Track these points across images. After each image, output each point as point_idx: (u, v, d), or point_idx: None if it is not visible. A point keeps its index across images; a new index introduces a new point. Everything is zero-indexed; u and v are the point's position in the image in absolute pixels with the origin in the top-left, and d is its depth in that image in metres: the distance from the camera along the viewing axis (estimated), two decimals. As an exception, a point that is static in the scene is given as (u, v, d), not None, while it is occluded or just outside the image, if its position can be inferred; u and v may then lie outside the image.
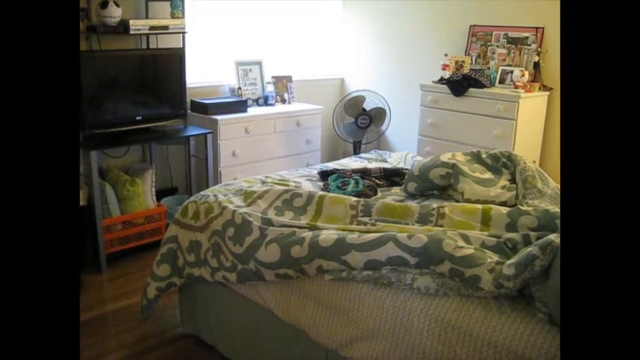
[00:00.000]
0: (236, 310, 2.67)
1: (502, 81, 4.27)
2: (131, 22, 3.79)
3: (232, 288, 2.63)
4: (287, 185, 2.89)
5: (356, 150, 5.18)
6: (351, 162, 3.52)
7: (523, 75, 4.08)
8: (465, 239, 2.08)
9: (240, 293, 2.59)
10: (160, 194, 4.41)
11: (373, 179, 3.06)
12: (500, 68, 4.30)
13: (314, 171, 3.30)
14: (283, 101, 5.05)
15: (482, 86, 4.19)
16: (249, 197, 2.70)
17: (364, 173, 3.11)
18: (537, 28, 4.23)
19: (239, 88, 4.78)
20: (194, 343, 3.04)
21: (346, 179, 2.94)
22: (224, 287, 2.68)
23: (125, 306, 3.44)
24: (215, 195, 2.74)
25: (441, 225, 2.30)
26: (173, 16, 4.10)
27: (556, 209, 2.29)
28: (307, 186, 2.94)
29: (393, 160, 3.56)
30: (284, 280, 2.33)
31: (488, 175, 2.78)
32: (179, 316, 3.20)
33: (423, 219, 2.34)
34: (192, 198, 2.84)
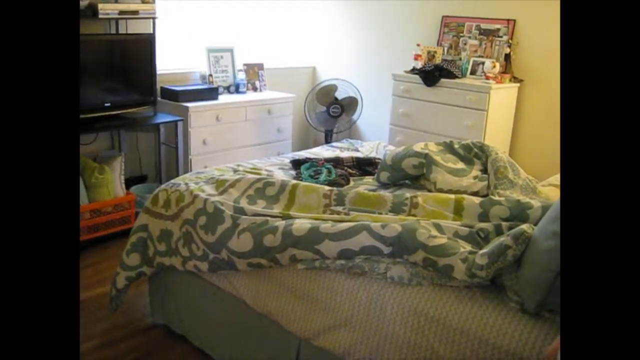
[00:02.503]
0: (208, 299, 2.64)
1: (473, 72, 4.30)
2: (100, 5, 3.70)
3: (204, 277, 2.60)
4: (259, 174, 2.87)
5: (328, 139, 5.17)
6: (323, 151, 3.51)
7: (494, 66, 4.11)
8: (439, 228, 2.09)
9: (212, 282, 2.57)
10: (130, 182, 4.34)
11: (345, 168, 3.05)
12: (472, 59, 4.33)
13: (286, 160, 3.28)
14: (254, 89, 5.00)
15: (454, 77, 4.22)
16: (221, 185, 2.66)
17: (337, 162, 3.10)
18: (508, 20, 4.26)
19: (210, 75, 4.72)
20: (164, 333, 3.01)
21: (318, 168, 2.93)
22: (196, 276, 2.65)
23: (94, 296, 3.38)
24: (186, 184, 2.70)
25: (414, 215, 2.30)
26: (143, 1, 4.02)
27: (527, 199, 2.32)
28: (280, 175, 2.92)
29: (365, 150, 3.55)
30: (256, 270, 2.31)
31: (460, 165, 2.80)
32: (149, 306, 3.16)
33: (396, 209, 2.34)
34: (162, 186, 2.80)
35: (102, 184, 3.89)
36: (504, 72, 4.21)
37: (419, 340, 1.86)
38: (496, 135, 4.13)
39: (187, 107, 4.25)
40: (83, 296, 3.38)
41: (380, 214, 2.31)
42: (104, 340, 2.94)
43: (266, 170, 3.01)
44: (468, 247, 1.99)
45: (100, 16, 3.71)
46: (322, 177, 2.82)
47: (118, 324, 3.09)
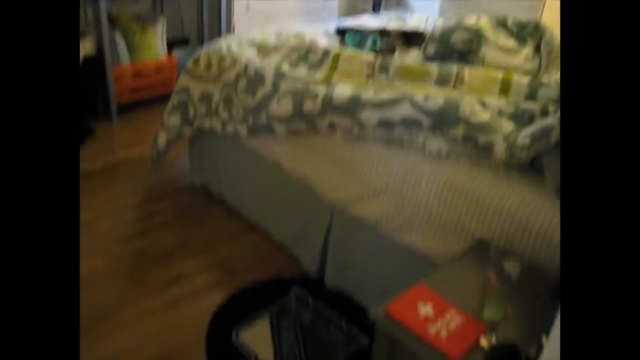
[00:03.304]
0: (245, 163, 2.68)
1: (537, -55, 3.99)
2: None
3: (242, 141, 2.63)
4: (303, 41, 2.79)
5: (375, 9, 4.98)
6: (370, 21, 3.38)
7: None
8: (483, 105, 2.03)
9: (250, 146, 2.59)
10: (171, 46, 4.30)
11: (391, 39, 2.94)
12: None
13: (331, 28, 3.17)
14: (302, -45, 4.77)
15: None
16: (263, 49, 2.61)
17: (383, 32, 2.99)
18: None
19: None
20: (202, 193, 3.10)
21: (364, 37, 2.83)
22: (234, 140, 2.68)
23: (136, 156, 3.48)
24: (228, 47, 2.66)
25: (459, 90, 2.23)
26: None
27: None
28: (324, 42, 2.84)
29: (413, 23, 3.41)
30: (294, 135, 2.32)
31: (512, 43, 2.66)
32: (188, 167, 3.24)
33: (441, 82, 2.27)
34: (204, 49, 2.76)
35: (144, 45, 3.87)
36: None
37: (451, 215, 1.87)
38: (553, 15, 3.90)
39: (231, -30, 4.11)
40: (126, 155, 3.48)
41: (425, 86, 2.25)
42: (146, 197, 3.05)
43: (310, 37, 2.93)
44: (511, 127, 1.93)
45: None
46: (367, 46, 2.73)
47: (158, 183, 3.19)
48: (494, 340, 1.35)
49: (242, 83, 2.42)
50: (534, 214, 1.69)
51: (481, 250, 1.68)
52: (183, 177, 3.25)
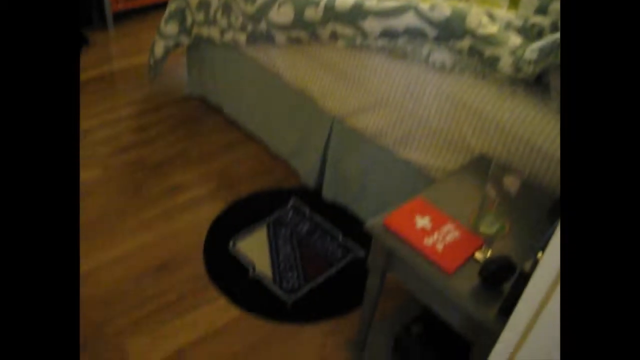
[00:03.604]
0: (244, 73, 2.62)
1: None
2: None
3: (241, 50, 2.56)
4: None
5: None
6: None
7: None
8: (491, 17, 1.96)
9: (249, 56, 2.52)
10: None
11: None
12: None
13: None
14: None
15: None
16: (263, -47, 2.49)
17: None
18: None
19: None
20: (200, 104, 3.06)
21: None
22: (233, 49, 2.60)
23: (133, 65, 3.40)
24: (227, -50, 2.53)
25: (467, 0, 2.15)
26: None
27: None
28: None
29: None
30: (295, 45, 2.25)
31: (524, -48, 2.54)
32: (186, 77, 3.18)
33: (448, -8, 2.18)
34: (202, -49, 2.63)
35: (140, -53, 3.71)
36: None
37: (452, 129, 1.84)
38: None
39: None
40: (122, 64, 3.40)
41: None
42: (143, 107, 3.01)
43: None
44: (519, 41, 1.87)
45: None
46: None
47: (156, 93, 3.14)
48: (489, 254, 1.35)
49: (242, -12, 2.32)
50: (537, 131, 1.66)
51: (481, 166, 1.67)
52: (181, 88, 3.19)
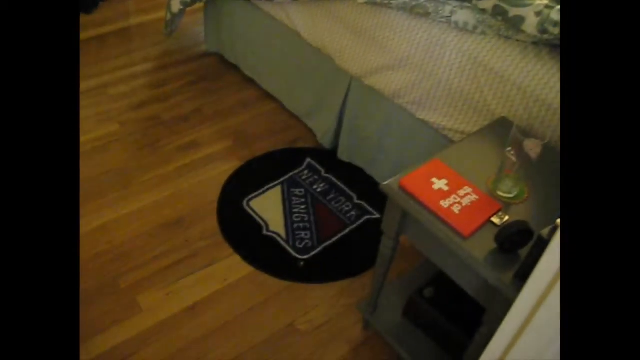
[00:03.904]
0: (262, 30, 2.58)
1: None
2: None
3: (260, 7, 2.51)
4: None
5: None
6: None
7: None
8: (517, -25, 1.89)
9: (268, 12, 2.47)
10: None
11: None
12: None
13: None
14: None
15: None
16: None
17: None
18: None
19: None
20: (217, 61, 3.02)
21: None
22: (251, 5, 2.56)
23: (150, 21, 3.36)
24: None
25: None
26: None
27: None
28: None
29: None
30: (314, 1, 2.19)
31: None
32: (203, 34, 3.14)
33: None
34: None
35: None
36: None
37: (473, 91, 1.80)
38: None
39: None
40: (139, 20, 3.36)
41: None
42: (159, 64, 2.98)
43: None
44: (545, 1, 1.80)
45: None
46: None
47: (173, 50, 3.11)
48: (507, 219, 1.33)
49: (261, -59, 2.26)
50: (560, 96, 1.61)
51: (501, 129, 1.63)
52: (198, 44, 3.16)
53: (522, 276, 1.17)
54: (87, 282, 1.91)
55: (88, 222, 2.11)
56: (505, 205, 1.37)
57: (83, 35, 3.15)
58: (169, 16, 2.85)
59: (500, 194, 1.39)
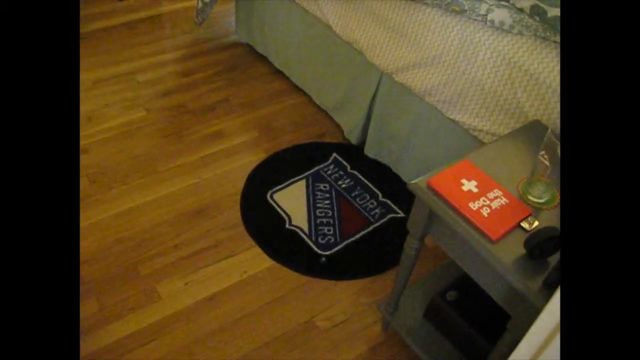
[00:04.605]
0: (293, 22, 2.55)
1: None
2: None
3: (291, -2, 2.49)
4: None
5: None
6: None
7: None
8: (557, -26, 1.84)
9: (300, 4, 2.45)
10: None
11: None
12: None
13: None
14: None
15: None
16: None
17: None
18: None
19: None
20: (247, 52, 3.01)
21: None
22: (283, -4, 2.54)
23: (181, 8, 3.36)
24: None
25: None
26: None
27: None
28: None
29: None
30: (347, -5, 2.17)
31: None
32: (234, 24, 3.12)
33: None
34: None
35: None
36: None
37: (506, 92, 1.75)
38: None
39: None
40: (171, 7, 3.36)
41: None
42: (189, 52, 2.98)
43: None
44: (585, 1, 1.75)
45: None
46: None
47: (203, 39, 3.10)
48: (536, 224, 1.29)
49: None
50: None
51: (534, 132, 1.58)
52: (228, 35, 3.14)
53: (551, 284, 1.13)
54: (108, 267, 1.92)
55: (111, 207, 2.11)
56: (536, 211, 1.33)
57: (114, 21, 3.16)
58: (200, 4, 2.84)
59: (531, 198, 1.35)
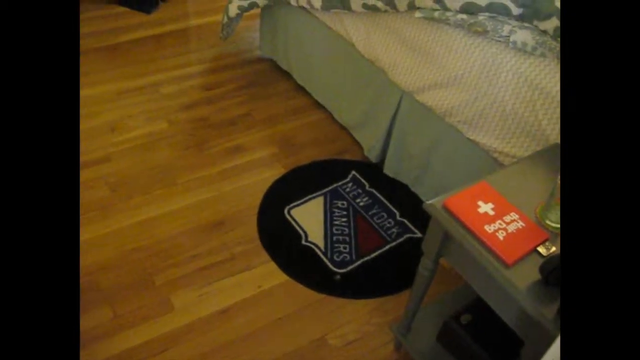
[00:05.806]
0: (317, 39, 2.57)
1: None
2: None
3: (316, 15, 2.50)
4: None
5: None
6: None
7: None
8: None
9: (323, 22, 2.47)
10: None
11: None
12: None
13: None
14: None
15: None
16: None
17: None
18: None
19: None
20: (270, 67, 3.03)
21: None
22: (307, 14, 2.55)
23: (206, 23, 3.40)
24: None
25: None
26: None
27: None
28: None
29: None
30: (370, 13, 2.17)
31: None
32: (258, 40, 3.15)
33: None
34: None
35: None
36: None
37: (527, 114, 1.74)
38: None
39: None
40: (197, 22, 3.41)
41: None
42: (213, 66, 3.01)
43: None
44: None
45: None
46: None
47: (227, 53, 3.13)
48: (553, 250, 1.27)
49: (322, -49, 2.26)
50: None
51: (554, 155, 1.57)
52: (252, 50, 3.17)
53: (566, 311, 1.11)
54: (124, 275, 1.93)
55: (130, 216, 2.13)
56: (553, 236, 1.31)
57: (141, 34, 3.21)
58: (225, 19, 2.87)
59: (549, 223, 1.33)
